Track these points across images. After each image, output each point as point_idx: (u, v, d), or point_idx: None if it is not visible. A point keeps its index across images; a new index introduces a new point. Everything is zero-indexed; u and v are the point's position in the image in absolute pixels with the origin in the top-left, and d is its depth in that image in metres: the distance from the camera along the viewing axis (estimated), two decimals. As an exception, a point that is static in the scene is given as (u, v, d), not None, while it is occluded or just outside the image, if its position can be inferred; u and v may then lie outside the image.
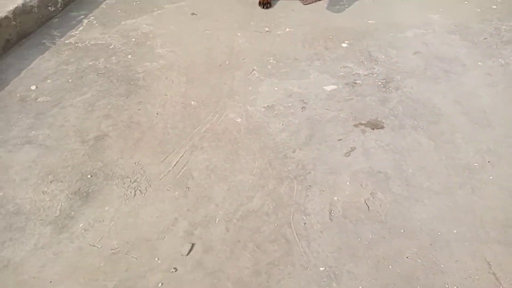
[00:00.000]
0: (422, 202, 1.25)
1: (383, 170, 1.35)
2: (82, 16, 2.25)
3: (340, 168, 1.36)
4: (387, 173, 1.34)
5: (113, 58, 1.90)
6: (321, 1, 2.41)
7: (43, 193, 1.26)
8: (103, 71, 1.81)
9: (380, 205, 1.24)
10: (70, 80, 1.75)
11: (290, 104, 1.63)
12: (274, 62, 1.89)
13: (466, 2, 2.39)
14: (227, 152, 1.43)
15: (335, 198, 1.26)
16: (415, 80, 1.77)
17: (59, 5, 2.27)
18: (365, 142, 1.46)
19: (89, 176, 1.32)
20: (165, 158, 1.40)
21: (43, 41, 2.01)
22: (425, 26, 2.16)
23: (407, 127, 1.53)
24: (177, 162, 1.39)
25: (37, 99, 1.65)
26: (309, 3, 2.41)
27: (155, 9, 2.33)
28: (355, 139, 1.48)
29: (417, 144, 1.46)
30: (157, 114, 1.59)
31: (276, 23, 2.20)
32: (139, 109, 1.61)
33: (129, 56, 1.91)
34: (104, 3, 2.39)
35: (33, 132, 1.49)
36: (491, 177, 1.32)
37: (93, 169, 1.35)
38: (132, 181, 1.32)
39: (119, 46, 1.99)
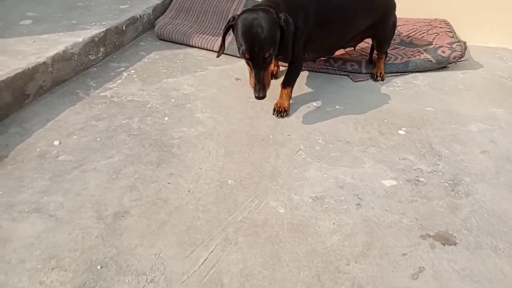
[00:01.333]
0: None
1: (463, 307, 1.07)
2: (122, 68, 2.15)
3: (407, 297, 1.08)
4: (468, 312, 1.05)
5: (148, 118, 1.74)
6: (372, 81, 2.26)
7: (40, 284, 1.03)
8: (135, 133, 1.65)
9: None
10: (98, 139, 1.59)
11: (342, 198, 1.40)
12: (323, 143, 1.69)
13: (532, 98, 2.19)
14: (266, 253, 1.18)
15: None
16: (486, 185, 1.52)
17: (100, 54, 2.19)
18: (435, 261, 1.19)
19: (99, 267, 1.09)
20: (192, 252, 1.16)
21: (77, 90, 1.89)
22: (489, 121, 1.94)
23: (485, 247, 1.25)
24: (205, 260, 1.14)
25: (57, 157, 1.47)
26: (359, 80, 2.26)
27: (199, 69, 2.22)
28: (423, 256, 1.21)
29: (499, 272, 1.18)
30: (188, 191, 1.38)
31: (326, 98, 2.03)
32: (169, 183, 1.40)
33: (166, 118, 1.75)
34: (146, 57, 2.31)
35: (45, 197, 1.29)
36: None
37: (105, 258, 1.11)
38: (148, 280, 1.07)
39: (157, 106, 1.84)
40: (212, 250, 1.17)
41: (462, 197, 1.45)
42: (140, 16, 2.53)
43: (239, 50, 1.58)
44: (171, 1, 2.85)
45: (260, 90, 1.59)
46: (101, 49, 2.19)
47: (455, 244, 1.26)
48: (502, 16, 2.82)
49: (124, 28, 2.37)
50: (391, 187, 1.47)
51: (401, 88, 2.21)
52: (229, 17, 2.74)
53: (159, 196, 1.34)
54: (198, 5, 2.83)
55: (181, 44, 2.50)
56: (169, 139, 1.62)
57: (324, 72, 2.30)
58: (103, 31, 2.18)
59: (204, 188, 1.40)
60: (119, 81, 2.03)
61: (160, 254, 1.14)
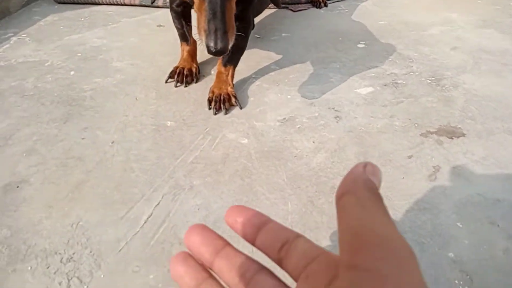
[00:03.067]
0: None
1: (505, 197, 0.81)
2: (10, 34, 1.67)
3: (435, 202, 0.81)
4: None
5: (48, 76, 1.32)
6: (315, 8, 2.00)
7: None
8: (31, 93, 1.22)
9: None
10: (-25, 107, 1.14)
11: (316, 114, 1.09)
12: (277, 67, 1.38)
13: (479, 1, 2.06)
14: (236, 191, 0.84)
15: (450, 254, 0.69)
16: (471, 75, 1.30)
17: (-23, 22, 1.69)
18: (449, 157, 0.93)
19: (-23, 258, 0.68)
20: (128, 211, 0.79)
21: None
22: (448, 23, 1.76)
23: (497, 131, 1.02)
24: (149, 216, 0.78)
25: None
26: (300, 10, 1.98)
27: (110, 23, 1.81)
28: (432, 154, 0.94)
29: (523, 153, 0.94)
30: (112, 142, 0.99)
31: (268, 29, 1.73)
32: (83, 138, 1.01)
33: (72, 73, 1.34)
34: (42, 20, 1.84)
35: None
36: None
37: (-11, 244, 0.71)
38: (64, 259, 0.69)
39: (59, 62, 1.42)
40: (158, 203, 0.81)
41: (450, 90, 1.21)
42: (26, -22, 2.04)
43: None
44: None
45: (219, 36, 0.82)
46: (-23, 16, 1.70)
47: (463, 135, 1.01)
48: None
49: (5, -9, 1.88)
50: (369, 94, 1.19)
51: (347, 10, 1.96)
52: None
53: (70, 155, 0.95)
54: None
55: (86, 3, 2.06)
56: (78, 92, 1.22)
57: (260, 7, 1.99)
58: (-26, -7, 1.69)
59: (135, 135, 1.02)
60: (6, 45, 1.56)
61: (80, 223, 0.76)
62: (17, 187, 0.85)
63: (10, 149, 0.97)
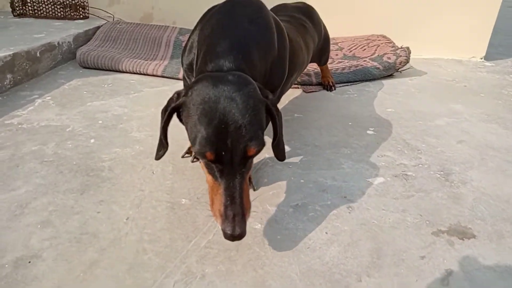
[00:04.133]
0: None
1: (519, 310, 0.80)
2: (35, 96, 1.76)
3: (447, 309, 0.80)
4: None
5: (68, 142, 1.36)
6: (325, 91, 2.10)
7: None
8: (50, 159, 1.25)
9: None
10: (-4, 170, 1.17)
11: (329, 203, 1.11)
12: (290, 148, 1.42)
13: (482, 95, 2.17)
14: (249, 283, 0.83)
15: None
16: (478, 172, 1.34)
17: (6, 81, 1.79)
18: (461, 261, 0.93)
19: None
20: (139, 298, 0.78)
21: (-28, 120, 1.46)
22: (453, 115, 1.84)
23: (507, 235, 1.03)
24: (161, 306, 0.77)
25: None
26: (312, 91, 2.09)
27: (132, 92, 1.90)
28: (444, 256, 0.94)
29: (535, 261, 0.94)
30: (127, 219, 1.00)
31: (281, 109, 1.81)
32: (98, 212, 1.02)
33: (92, 141, 1.39)
34: (67, 84, 1.94)
35: None
36: None
37: (-5, 328, 0.70)
38: None
39: (80, 129, 1.47)
40: (170, 291, 0.80)
41: (459, 186, 1.24)
42: (58, 43, 2.19)
43: (194, 144, 0.80)
44: (96, 32, 2.56)
45: (237, 222, 0.75)
46: (8, 76, 1.79)
47: (474, 236, 1.02)
48: (432, 29, 2.92)
49: (38, 54, 2.00)
50: (380, 185, 1.22)
51: (356, 95, 2.07)
52: (162, 44, 2.50)
53: (84, 230, 0.95)
54: (127, 33, 2.56)
55: (109, 70, 2.18)
56: (97, 162, 1.25)
57: (274, 86, 2.10)
58: (10, 55, 1.80)
59: (150, 212, 1.04)
60: (31, 108, 1.63)
61: (90, 309, 0.75)
62: (29, 262, 0.85)
63: (26, 219, 0.98)
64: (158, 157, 0.96)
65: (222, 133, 0.76)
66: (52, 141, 1.37)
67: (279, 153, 0.99)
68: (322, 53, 1.98)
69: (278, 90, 1.21)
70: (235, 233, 0.74)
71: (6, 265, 0.84)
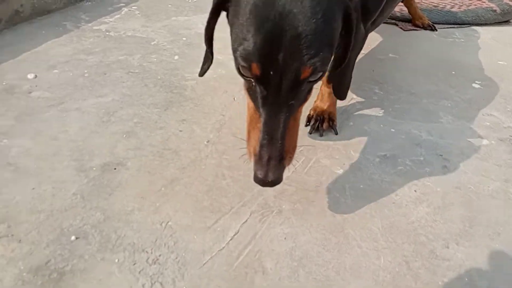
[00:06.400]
0: None
1: None
2: (122, 4, 1.75)
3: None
4: None
5: (153, 56, 1.35)
6: (426, 31, 1.85)
7: (-22, 261, 0.65)
8: (136, 70, 1.25)
9: None
10: (86, 75, 1.20)
11: (422, 158, 1.00)
12: (381, 92, 1.29)
13: None
14: (326, 228, 0.79)
15: None
16: None
17: (97, -13, 1.78)
18: None
19: (73, 237, 0.71)
20: (216, 222, 0.78)
21: (65, 22, 1.50)
22: None
23: None
24: (236, 234, 0.76)
25: (30, 92, 1.09)
26: (410, 29, 1.85)
27: (216, 9, 1.81)
28: (553, 238, 0.82)
29: None
30: (207, 142, 0.99)
31: (374, 46, 1.63)
32: (180, 130, 1.02)
33: (176, 57, 1.36)
34: (152, -5, 1.90)
35: (5, 140, 0.91)
36: None
37: (85, 225, 0.73)
38: (150, 260, 0.69)
39: (164, 43, 1.45)
40: (246, 220, 0.79)
41: None
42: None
43: (236, 55, 0.63)
44: None
45: (272, 167, 0.62)
46: (97, -19, 1.79)
47: None
48: None
49: (126, -39, 1.95)
50: (483, 147, 1.07)
51: (462, 40, 1.79)
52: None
53: (167, 146, 0.96)
54: None
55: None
56: (180, 80, 1.23)
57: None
58: (100, -41, 1.77)
59: (230, 139, 1.01)
60: (118, 16, 1.63)
61: (169, 223, 0.76)
62: (114, 169, 0.87)
63: (112, 127, 1.00)
64: (203, 71, 0.81)
65: (274, 41, 0.56)
66: (138, 52, 1.36)
67: (340, 88, 0.79)
68: None
69: (372, 18, 0.92)
70: (267, 179, 0.61)
71: (94, 168, 0.87)
